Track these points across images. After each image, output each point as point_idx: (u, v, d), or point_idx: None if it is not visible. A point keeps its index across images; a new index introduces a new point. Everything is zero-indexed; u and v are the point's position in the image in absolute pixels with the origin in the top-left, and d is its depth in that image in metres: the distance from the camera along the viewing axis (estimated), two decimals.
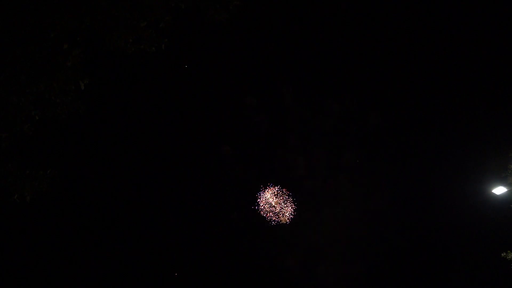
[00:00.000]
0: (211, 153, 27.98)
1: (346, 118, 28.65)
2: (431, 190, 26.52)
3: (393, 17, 27.22)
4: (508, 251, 14.46)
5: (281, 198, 27.13)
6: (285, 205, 26.97)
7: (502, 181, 14.76)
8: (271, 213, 26.91)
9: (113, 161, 25.12)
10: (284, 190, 27.42)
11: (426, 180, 26.92)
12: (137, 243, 24.84)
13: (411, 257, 25.73)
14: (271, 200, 26.90)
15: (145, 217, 25.43)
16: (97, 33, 7.46)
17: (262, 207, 26.86)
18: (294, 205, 27.28)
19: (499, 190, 14.78)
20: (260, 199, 26.97)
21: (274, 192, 27.24)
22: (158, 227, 25.58)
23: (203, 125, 28.14)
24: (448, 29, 27.45)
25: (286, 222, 27.01)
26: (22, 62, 7.14)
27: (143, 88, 26.07)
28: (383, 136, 28.71)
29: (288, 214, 27.17)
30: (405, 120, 28.31)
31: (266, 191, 27.20)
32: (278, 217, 27.05)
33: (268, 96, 29.46)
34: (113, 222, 24.43)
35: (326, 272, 26.33)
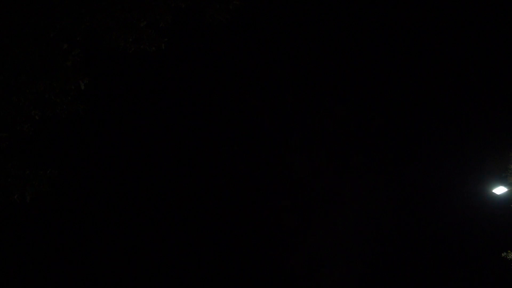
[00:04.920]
0: (212, 153, 27.99)
1: (346, 119, 28.66)
2: (431, 190, 26.53)
3: (398, 17, 27.23)
4: (509, 251, 14.45)
5: None
6: None
7: (502, 181, 14.78)
8: None
9: (113, 161, 25.13)
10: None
11: (426, 180, 26.94)
12: (138, 243, 24.85)
13: (411, 257, 25.75)
14: None
15: (146, 218, 25.44)
16: (97, 33, 7.47)
17: None
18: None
19: (500, 190, 14.80)
20: None
21: None
22: (159, 227, 25.59)
23: (203, 124, 28.14)
24: (447, 29, 27.46)
25: None
26: (22, 62, 7.14)
27: (143, 87, 26.07)
28: (382, 136, 28.72)
29: None
30: (404, 120, 28.33)
31: None
32: None
33: (269, 97, 29.45)
34: (114, 223, 24.44)
35: (329, 273, 26.36)
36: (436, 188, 26.38)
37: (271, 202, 27.88)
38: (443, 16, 27.05)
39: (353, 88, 29.07)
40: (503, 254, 14.57)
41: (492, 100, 25.08)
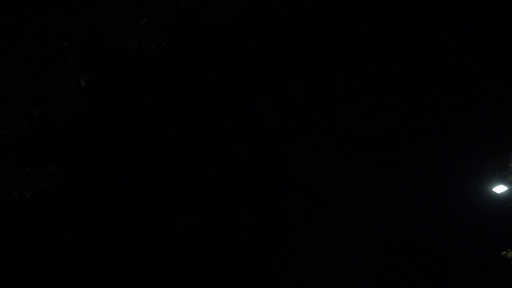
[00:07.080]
0: (217, 152, 27.95)
1: (346, 119, 28.65)
2: (431, 189, 26.54)
3: (404, 21, 27.22)
4: (508, 250, 14.47)
5: None
6: None
7: (503, 179, 14.80)
8: None
9: (114, 158, 25.12)
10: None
11: (426, 179, 26.95)
12: (138, 242, 24.85)
13: (410, 256, 25.76)
14: None
15: (147, 216, 25.43)
16: (97, 31, 7.46)
17: None
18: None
19: (500, 188, 14.82)
20: None
21: None
22: (160, 226, 25.58)
23: (205, 122, 28.11)
24: (449, 32, 27.43)
25: None
26: (22, 59, 7.14)
27: (143, 84, 26.05)
28: (385, 137, 28.71)
29: None
30: (405, 119, 28.33)
31: None
32: None
33: (273, 97, 29.41)
34: (114, 220, 24.44)
35: (334, 273, 26.36)
36: (437, 187, 26.40)
37: (277, 202, 27.91)
38: (445, 21, 27.03)
39: (358, 90, 29.07)
40: (502, 253, 14.58)
41: (492, 100, 25.08)
